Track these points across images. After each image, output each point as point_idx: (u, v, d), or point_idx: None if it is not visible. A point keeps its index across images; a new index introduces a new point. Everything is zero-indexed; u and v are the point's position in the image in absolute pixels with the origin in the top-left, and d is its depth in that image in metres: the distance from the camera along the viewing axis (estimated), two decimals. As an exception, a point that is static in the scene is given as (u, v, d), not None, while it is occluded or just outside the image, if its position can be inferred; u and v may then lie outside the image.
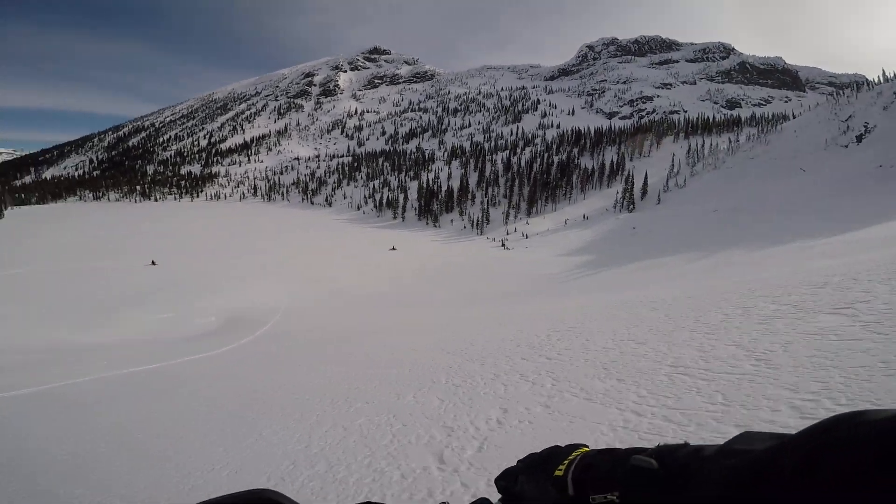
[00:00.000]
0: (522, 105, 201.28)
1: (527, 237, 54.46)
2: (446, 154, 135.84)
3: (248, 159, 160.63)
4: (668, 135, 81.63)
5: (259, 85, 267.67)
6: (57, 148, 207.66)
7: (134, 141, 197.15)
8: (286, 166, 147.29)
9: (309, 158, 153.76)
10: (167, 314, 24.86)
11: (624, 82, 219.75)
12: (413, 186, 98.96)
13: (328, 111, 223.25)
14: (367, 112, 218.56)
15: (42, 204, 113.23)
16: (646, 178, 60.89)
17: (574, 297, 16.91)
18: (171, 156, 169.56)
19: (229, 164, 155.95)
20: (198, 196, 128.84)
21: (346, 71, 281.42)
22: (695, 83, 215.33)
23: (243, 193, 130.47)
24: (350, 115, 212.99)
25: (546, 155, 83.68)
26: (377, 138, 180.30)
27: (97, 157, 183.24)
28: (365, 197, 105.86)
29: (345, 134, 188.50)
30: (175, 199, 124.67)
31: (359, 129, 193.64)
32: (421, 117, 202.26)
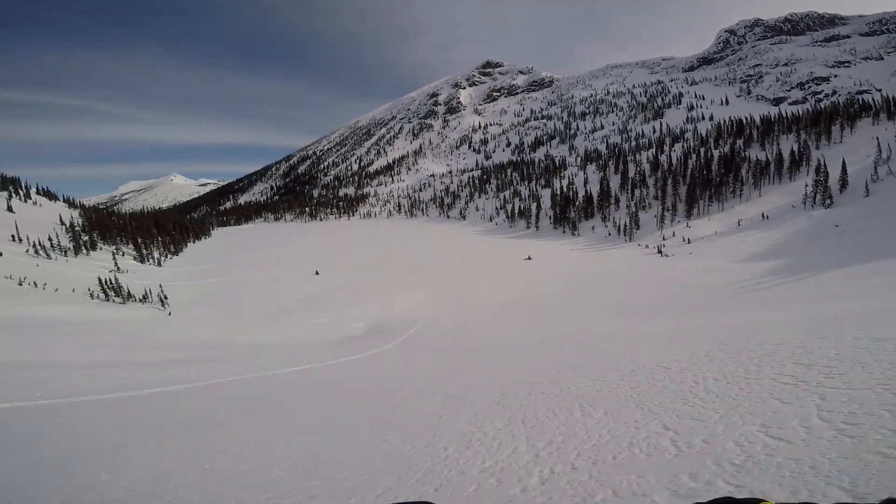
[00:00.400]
0: (662, 100, 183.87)
1: (689, 242, 49.76)
2: (579, 159, 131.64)
3: (392, 179, 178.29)
4: (862, 117, 66.49)
5: (393, 109, 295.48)
6: (247, 177, 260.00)
7: (301, 168, 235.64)
8: (424, 183, 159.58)
9: (443, 175, 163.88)
10: (324, 318, 29.08)
11: (785, 64, 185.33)
12: (545, 194, 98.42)
13: (455, 128, 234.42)
14: (491, 125, 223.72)
15: (237, 225, 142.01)
16: (843, 166, 50.44)
17: (779, 308, 15.10)
18: (330, 180, 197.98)
19: (377, 185, 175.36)
20: (353, 215, 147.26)
21: (464, 87, 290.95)
22: (881, 58, 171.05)
23: (390, 211, 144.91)
24: (475, 130, 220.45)
25: (702, 150, 75.22)
26: (503, 150, 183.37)
27: (276, 184, 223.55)
28: (496, 208, 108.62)
29: (472, 148, 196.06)
30: (335, 218, 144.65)
31: (484, 142, 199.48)
32: (546, 125, 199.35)
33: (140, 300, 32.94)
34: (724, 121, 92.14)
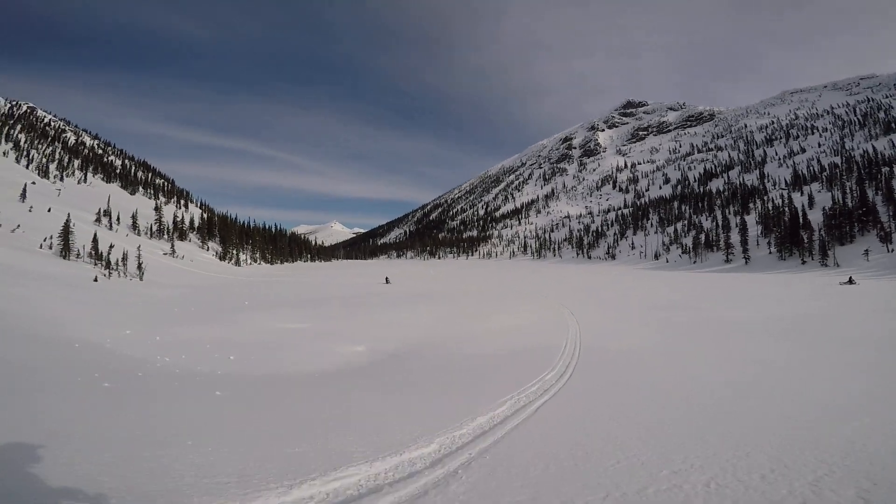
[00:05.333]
0: (887, 114, 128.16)
1: None
2: (779, 184, 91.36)
3: (519, 222, 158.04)
4: None
5: (523, 157, 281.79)
6: (387, 224, 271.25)
7: (433, 216, 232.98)
8: (556, 224, 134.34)
9: (580, 215, 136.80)
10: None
11: None
12: (745, 222, 64.09)
13: (593, 170, 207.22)
14: (640, 163, 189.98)
15: (364, 259, 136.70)
16: None
17: None
18: (456, 224, 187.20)
19: (502, 228, 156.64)
20: (472, 254, 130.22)
21: (602, 130, 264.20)
22: None
23: (513, 252, 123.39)
24: (619, 170, 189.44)
25: None
26: (659, 187, 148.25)
27: (409, 230, 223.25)
28: (663, 244, 76.89)
29: (617, 188, 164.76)
30: (454, 257, 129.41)
31: (633, 180, 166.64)
32: (716, 156, 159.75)
33: (103, 263, 29.41)
34: None
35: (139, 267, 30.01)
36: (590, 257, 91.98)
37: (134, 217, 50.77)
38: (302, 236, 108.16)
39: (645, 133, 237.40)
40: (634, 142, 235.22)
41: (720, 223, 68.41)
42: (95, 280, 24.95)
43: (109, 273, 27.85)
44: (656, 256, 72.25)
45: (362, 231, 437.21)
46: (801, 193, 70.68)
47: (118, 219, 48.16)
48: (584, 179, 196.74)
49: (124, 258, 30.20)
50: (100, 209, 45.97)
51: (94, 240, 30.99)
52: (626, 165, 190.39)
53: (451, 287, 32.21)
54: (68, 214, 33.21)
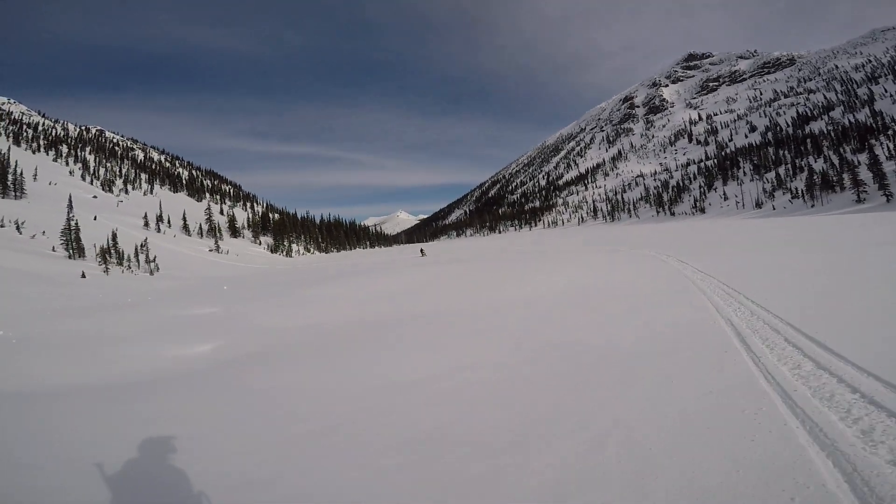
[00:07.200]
0: None
1: None
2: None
3: (586, 187, 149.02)
4: None
5: (582, 122, 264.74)
6: (448, 206, 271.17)
7: (492, 192, 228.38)
8: (628, 184, 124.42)
9: (655, 173, 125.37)
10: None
11: None
12: (862, 160, 53.35)
13: (662, 126, 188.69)
14: (717, 114, 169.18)
15: (435, 240, 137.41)
16: None
17: None
18: (516, 198, 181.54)
19: (567, 196, 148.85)
20: (536, 225, 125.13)
21: (665, 85, 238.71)
22: None
23: (581, 217, 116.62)
24: (693, 123, 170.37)
25: None
26: (745, 135, 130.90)
27: (469, 209, 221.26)
28: (765, 191, 67.41)
29: (694, 141, 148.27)
30: (515, 230, 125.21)
31: (711, 132, 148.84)
32: (807, 99, 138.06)
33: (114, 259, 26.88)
34: None
35: (149, 261, 28.10)
36: (673, 214, 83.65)
37: (184, 219, 50.32)
38: (371, 228, 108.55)
39: (716, 84, 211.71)
40: (705, 94, 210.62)
41: (837, 164, 57.71)
42: (83, 276, 22.06)
43: (107, 268, 25.08)
44: (758, 205, 63.37)
45: (426, 217, 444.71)
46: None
47: (168, 222, 48.37)
48: (653, 137, 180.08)
49: (136, 253, 28.34)
50: (146, 214, 46.03)
51: (114, 238, 27.87)
52: (700, 118, 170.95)
53: (488, 253, 29.44)
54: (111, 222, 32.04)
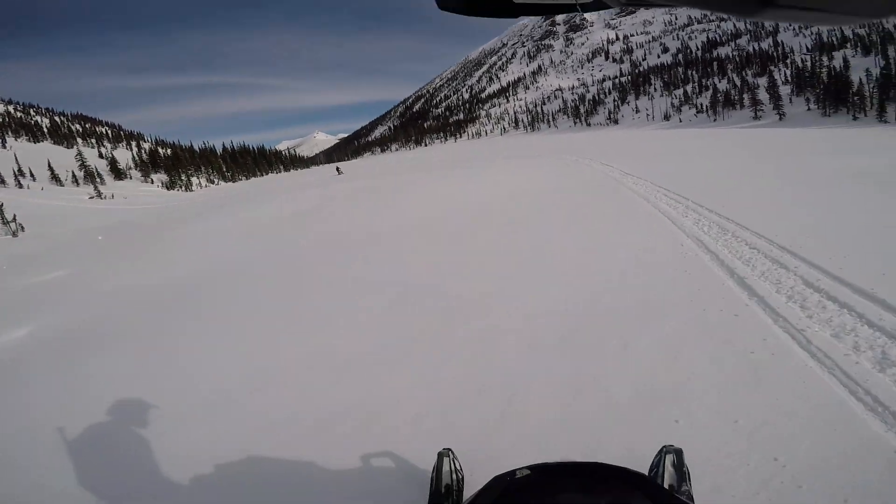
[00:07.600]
0: None
1: None
2: (801, 50, 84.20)
3: (507, 100, 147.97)
4: None
5: (504, 38, 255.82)
6: (370, 124, 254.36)
7: (416, 108, 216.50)
8: (547, 97, 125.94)
9: (573, 87, 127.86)
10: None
11: None
12: (761, 83, 60.01)
13: (581, 44, 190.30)
14: (633, 35, 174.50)
15: (357, 157, 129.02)
16: None
17: None
18: (441, 111, 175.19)
19: (489, 108, 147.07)
20: (460, 137, 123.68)
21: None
22: None
23: (504, 128, 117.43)
24: (611, 42, 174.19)
25: None
26: (657, 56, 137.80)
27: (392, 125, 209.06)
28: (673, 105, 73.02)
29: (610, 59, 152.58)
30: (441, 142, 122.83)
31: (627, 51, 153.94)
32: (718, 27, 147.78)
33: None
34: None
35: (6, 221, 23.39)
36: (589, 124, 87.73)
37: (50, 169, 45.04)
38: (283, 151, 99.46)
39: (635, 8, 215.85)
40: (624, 15, 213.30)
41: (739, 85, 63.58)
42: None
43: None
44: (666, 118, 68.76)
45: (346, 136, 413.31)
46: (831, 59, 65.00)
47: (32, 175, 42.97)
48: (572, 54, 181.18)
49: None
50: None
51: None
52: (617, 38, 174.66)
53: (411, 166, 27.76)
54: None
